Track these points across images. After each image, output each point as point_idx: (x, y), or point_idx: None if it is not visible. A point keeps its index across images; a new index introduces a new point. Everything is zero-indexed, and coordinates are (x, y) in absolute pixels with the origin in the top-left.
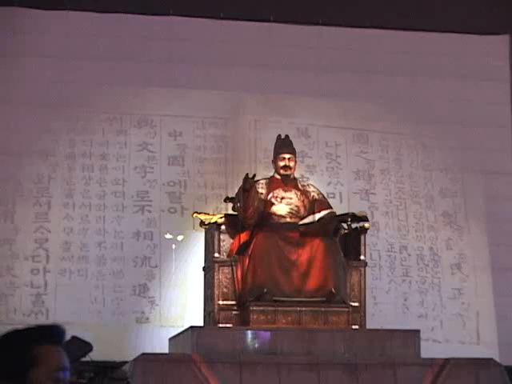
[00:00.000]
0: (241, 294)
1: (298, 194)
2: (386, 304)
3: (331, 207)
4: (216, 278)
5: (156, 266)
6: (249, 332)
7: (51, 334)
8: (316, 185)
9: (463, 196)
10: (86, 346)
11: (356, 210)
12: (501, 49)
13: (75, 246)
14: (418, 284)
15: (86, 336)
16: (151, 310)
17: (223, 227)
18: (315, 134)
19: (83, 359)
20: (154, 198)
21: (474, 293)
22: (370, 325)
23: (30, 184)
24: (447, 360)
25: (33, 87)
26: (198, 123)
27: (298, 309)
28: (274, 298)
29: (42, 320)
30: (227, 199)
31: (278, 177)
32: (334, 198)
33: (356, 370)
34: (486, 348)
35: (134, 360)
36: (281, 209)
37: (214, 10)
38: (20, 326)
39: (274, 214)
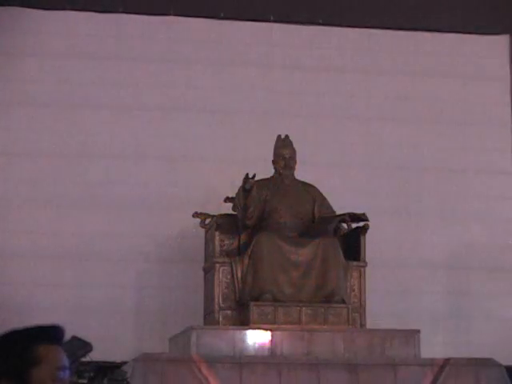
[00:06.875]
0: (241, 294)
1: (298, 194)
2: (385, 304)
3: (332, 208)
4: (216, 277)
5: (156, 266)
6: (249, 332)
7: (51, 333)
8: (316, 185)
9: (463, 196)
10: (86, 346)
11: (356, 210)
12: (501, 49)
13: (75, 245)
14: (419, 284)
15: (85, 336)
16: (151, 309)
17: (223, 227)
18: (315, 133)
19: (83, 359)
20: (154, 197)
21: (473, 293)
22: (369, 325)
23: (26, 183)
24: (447, 360)
25: (33, 87)
26: (198, 122)
27: (298, 309)
28: (275, 298)
29: (40, 319)
30: (227, 199)
31: (279, 177)
32: (333, 198)
33: (356, 370)
34: (486, 348)
35: (134, 360)
36: (281, 209)
37: (214, 10)
38: (19, 326)
39: (274, 214)
